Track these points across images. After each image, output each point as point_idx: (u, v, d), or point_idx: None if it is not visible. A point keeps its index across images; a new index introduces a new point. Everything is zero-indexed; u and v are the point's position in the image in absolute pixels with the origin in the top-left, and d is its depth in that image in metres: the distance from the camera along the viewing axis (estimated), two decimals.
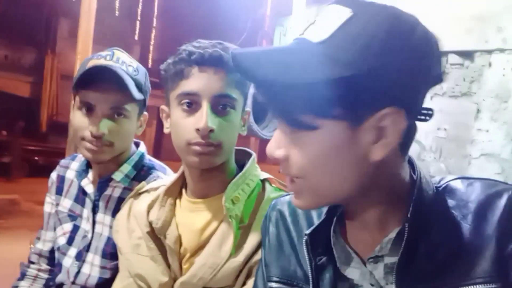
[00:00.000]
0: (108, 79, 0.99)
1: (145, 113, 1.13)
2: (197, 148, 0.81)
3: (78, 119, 1.03)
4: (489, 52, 2.03)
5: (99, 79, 0.99)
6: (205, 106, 0.81)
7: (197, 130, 0.80)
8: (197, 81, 0.82)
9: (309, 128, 0.52)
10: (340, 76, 0.48)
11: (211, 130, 0.80)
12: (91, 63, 1.03)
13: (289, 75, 0.49)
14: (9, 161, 9.31)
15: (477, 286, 0.52)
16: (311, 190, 0.55)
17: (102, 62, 1.02)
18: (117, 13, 10.75)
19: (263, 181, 0.92)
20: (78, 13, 2.44)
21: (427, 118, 0.56)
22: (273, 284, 0.68)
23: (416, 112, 0.54)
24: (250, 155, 0.94)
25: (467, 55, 2.07)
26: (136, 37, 12.11)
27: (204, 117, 0.80)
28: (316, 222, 0.64)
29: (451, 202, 0.57)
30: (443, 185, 0.59)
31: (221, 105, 0.83)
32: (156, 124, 12.56)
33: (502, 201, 0.54)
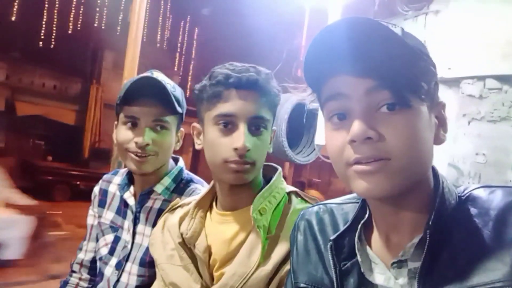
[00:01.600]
0: (150, 93, 1.07)
1: (182, 129, 1.20)
2: (233, 166, 0.86)
3: (123, 133, 1.10)
4: None
5: (142, 94, 1.07)
6: (242, 127, 0.86)
7: (235, 149, 0.85)
8: (235, 104, 0.87)
9: (406, 105, 0.55)
10: (430, 62, 0.59)
11: (248, 150, 0.85)
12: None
13: (396, 48, 0.56)
14: (51, 185, 9.69)
15: None
16: (398, 171, 0.55)
17: (149, 75, 1.11)
18: (158, 45, 11.22)
19: (289, 193, 0.96)
20: (122, 46, 2.60)
21: None
22: None
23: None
24: (276, 169, 0.98)
25: (505, 79, 2.03)
26: (175, 68, 12.55)
27: (242, 137, 0.85)
28: (342, 229, 0.67)
29: (473, 210, 0.58)
30: (466, 194, 0.61)
31: (255, 126, 0.88)
32: (192, 151, 12.81)
33: None
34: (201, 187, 1.16)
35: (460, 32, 2.10)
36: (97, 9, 11.79)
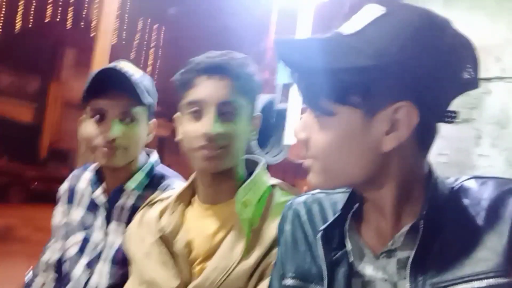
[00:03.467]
0: (117, 85, 1.03)
1: (154, 120, 1.17)
2: (204, 152, 0.85)
3: (90, 127, 1.06)
4: (489, 80, 2.09)
5: (107, 86, 1.03)
6: (210, 113, 0.85)
7: (203, 135, 0.84)
8: (203, 89, 0.86)
9: (327, 113, 0.57)
10: (359, 65, 0.52)
11: (217, 134, 0.84)
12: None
13: (314, 60, 0.54)
14: (6, 186, 9.25)
15: (490, 280, 0.53)
16: (324, 171, 0.60)
17: (113, 66, 1.07)
18: (123, 42, 10.98)
19: (273, 186, 0.95)
20: (85, 42, 2.51)
21: (450, 120, 0.58)
22: (288, 281, 0.69)
23: (437, 111, 0.57)
24: (257, 163, 0.97)
25: None
26: (142, 67, 12.36)
27: (210, 122, 0.84)
28: (331, 219, 0.66)
29: (465, 201, 0.59)
30: (458, 185, 0.61)
31: (227, 111, 0.87)
32: (158, 144, 12.57)
33: None
34: (176, 182, 1.13)
35: None
36: (60, 4, 11.39)
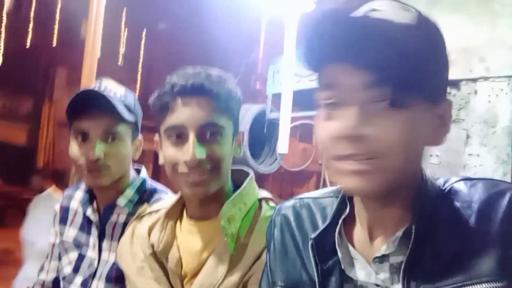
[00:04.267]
0: (97, 105, 1.04)
1: (140, 137, 1.17)
2: (188, 179, 0.83)
3: (74, 148, 1.07)
4: (474, 80, 2.13)
5: (89, 106, 1.04)
6: (191, 137, 0.82)
7: (185, 162, 0.81)
8: (182, 113, 0.83)
9: (404, 105, 0.52)
10: (445, 60, 0.57)
11: (200, 160, 0.81)
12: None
13: (401, 41, 0.51)
14: (3, 209, 9.19)
15: (483, 284, 0.52)
16: (385, 170, 0.53)
17: (91, 89, 1.08)
18: (114, 60, 11.01)
19: (260, 200, 0.93)
20: (76, 62, 2.52)
21: None
22: None
23: None
24: (247, 174, 0.95)
25: (453, 84, 2.16)
26: (137, 84, 12.38)
27: (191, 148, 0.81)
28: (321, 226, 0.65)
29: (455, 204, 0.58)
30: (448, 188, 0.61)
31: (209, 134, 0.84)
32: (152, 168, 12.55)
33: (505, 200, 0.55)
34: (166, 197, 1.14)
35: None
36: (49, 25, 11.44)
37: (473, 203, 0.57)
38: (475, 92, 2.16)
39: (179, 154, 0.83)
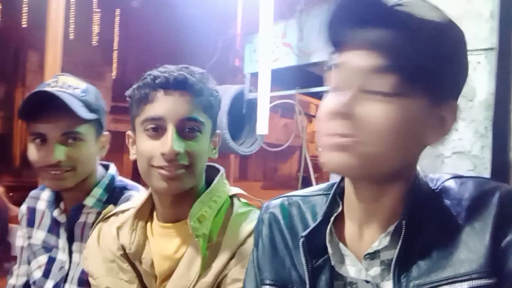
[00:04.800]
0: (54, 105, 0.97)
1: (106, 133, 1.11)
2: (163, 172, 0.79)
3: (32, 151, 1.01)
4: None
5: (45, 107, 0.98)
6: (170, 130, 0.79)
7: (163, 154, 0.78)
8: (162, 105, 0.81)
9: (402, 95, 0.53)
10: (452, 63, 0.55)
11: (177, 154, 0.79)
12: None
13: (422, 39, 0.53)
14: None
15: (473, 281, 0.53)
16: (366, 155, 0.54)
17: (45, 89, 1.01)
18: (87, 41, 10.70)
19: (231, 197, 0.91)
20: (44, 43, 2.41)
21: None
22: (267, 287, 0.67)
23: None
24: (218, 171, 0.92)
25: None
26: (113, 64, 12.07)
27: (169, 140, 0.78)
28: (312, 224, 0.65)
29: (446, 202, 0.59)
30: (439, 186, 0.61)
31: (188, 129, 0.82)
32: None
33: (495, 198, 0.56)
34: (137, 194, 1.09)
35: None
36: (17, 6, 10.98)
37: (463, 201, 0.58)
38: None
39: (156, 146, 0.80)
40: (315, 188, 0.73)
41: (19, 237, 1.17)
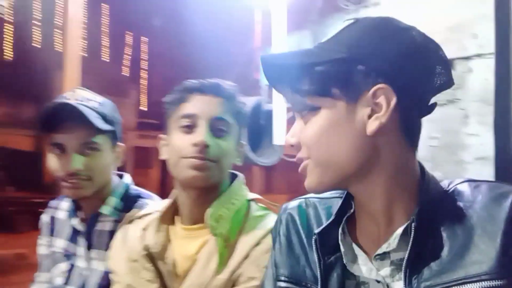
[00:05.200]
0: (71, 117, 1.02)
1: (121, 144, 1.16)
2: (192, 161, 0.85)
3: (51, 161, 1.06)
4: (468, 58, 2.07)
5: (63, 118, 1.03)
6: (202, 124, 0.87)
7: (194, 145, 0.85)
8: (197, 104, 0.89)
9: (312, 108, 0.60)
10: (333, 58, 0.59)
11: (207, 146, 0.85)
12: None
13: (296, 59, 0.62)
14: (15, 215, 9.33)
15: (483, 282, 0.53)
16: (320, 166, 0.61)
17: (62, 101, 1.06)
18: (102, 59, 10.99)
19: (250, 201, 0.95)
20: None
21: (429, 111, 0.63)
22: (282, 284, 0.70)
23: (417, 102, 0.61)
24: (237, 176, 0.97)
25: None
26: (130, 83, 12.36)
27: (202, 133, 0.86)
28: (326, 223, 0.67)
29: (458, 204, 0.60)
30: (452, 189, 0.62)
31: (218, 128, 0.89)
32: (161, 165, 12.62)
33: (508, 202, 0.56)
34: (151, 202, 1.13)
35: None
36: (46, 28, 11.44)
37: (476, 204, 0.59)
38: (470, 70, 2.10)
39: (188, 140, 0.87)
40: (333, 191, 0.75)
41: (40, 246, 1.22)
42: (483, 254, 0.55)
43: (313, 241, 0.65)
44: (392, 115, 0.58)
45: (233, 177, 0.98)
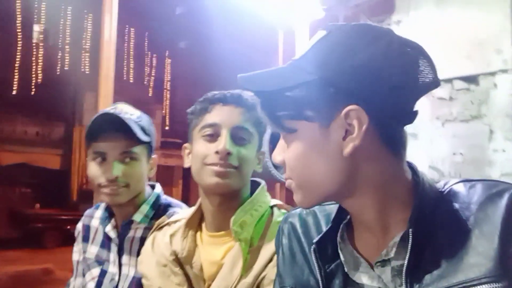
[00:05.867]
0: (114, 127, 1.10)
1: (154, 156, 1.23)
2: (215, 168, 0.89)
3: (93, 168, 1.13)
4: (492, 74, 2.07)
5: (106, 129, 1.10)
6: (224, 133, 0.91)
7: (216, 152, 0.89)
8: (219, 114, 0.93)
9: (290, 131, 0.60)
10: (303, 81, 0.57)
11: (229, 153, 0.89)
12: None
13: (269, 84, 0.61)
14: (42, 232, 9.52)
15: (483, 286, 0.52)
16: (301, 187, 0.62)
17: (107, 111, 1.14)
18: (131, 80, 11.27)
19: (272, 207, 0.98)
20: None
21: (411, 120, 0.60)
22: None
23: (396, 113, 0.58)
24: (259, 184, 1.01)
25: (471, 79, 2.11)
26: (162, 104, 12.64)
27: (223, 141, 0.90)
28: (324, 230, 0.67)
29: (454, 205, 0.58)
30: (447, 190, 0.61)
31: (239, 136, 0.93)
32: (182, 184, 12.75)
33: (504, 201, 0.55)
34: (180, 210, 1.17)
35: (423, 39, 2.17)
36: (76, 50, 11.88)
37: (472, 204, 0.57)
38: (495, 85, 2.10)
39: (211, 147, 0.91)
40: None
41: (75, 252, 1.28)
42: (482, 256, 0.53)
43: (312, 250, 0.65)
44: (369, 131, 0.56)
45: (256, 184, 1.01)
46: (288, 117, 0.60)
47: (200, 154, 0.91)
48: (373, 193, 0.59)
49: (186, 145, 1.01)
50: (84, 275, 1.22)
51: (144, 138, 1.13)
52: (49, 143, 12.20)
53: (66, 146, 12.30)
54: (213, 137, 0.92)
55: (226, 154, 0.89)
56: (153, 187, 1.25)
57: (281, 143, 0.64)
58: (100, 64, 2.13)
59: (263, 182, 1.01)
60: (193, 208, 1.01)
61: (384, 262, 0.60)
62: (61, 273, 6.53)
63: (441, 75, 0.61)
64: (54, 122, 12.37)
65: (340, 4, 2.53)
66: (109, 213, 1.21)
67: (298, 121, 0.59)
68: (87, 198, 11.45)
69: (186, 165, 0.99)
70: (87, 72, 11.92)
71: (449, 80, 2.18)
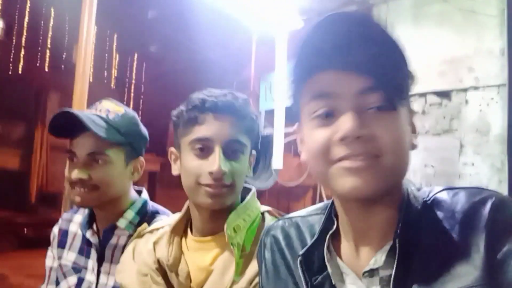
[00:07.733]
0: (82, 126, 1.02)
1: (141, 158, 1.16)
2: (209, 190, 0.87)
3: (67, 167, 1.08)
4: (464, 90, 2.16)
5: (76, 127, 1.03)
6: (217, 151, 0.87)
7: (210, 173, 0.85)
8: (211, 127, 0.88)
9: (394, 108, 0.57)
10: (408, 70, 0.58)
11: (224, 173, 0.86)
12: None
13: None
14: None
15: None
16: (387, 168, 0.55)
17: (63, 110, 1.06)
18: (105, 81, 11.03)
19: (263, 213, 0.97)
20: (67, 85, 2.49)
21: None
22: None
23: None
24: (250, 190, 0.99)
25: (444, 94, 2.19)
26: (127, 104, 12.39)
27: (217, 161, 0.86)
28: (310, 242, 0.66)
29: (439, 214, 0.59)
30: (431, 198, 0.61)
31: (232, 150, 0.89)
32: (147, 188, 12.45)
33: (486, 209, 0.56)
34: (167, 218, 1.13)
35: None
36: (39, 49, 11.48)
37: (456, 213, 0.58)
38: (466, 102, 2.19)
39: (204, 166, 0.87)
40: (313, 207, 0.75)
41: (48, 257, 1.21)
42: (469, 264, 0.53)
43: (298, 263, 0.63)
44: None
45: (245, 189, 0.99)
46: (399, 92, 0.57)
47: (193, 172, 0.88)
48: (392, 198, 0.60)
49: (172, 149, 0.97)
50: (57, 283, 1.15)
51: (112, 137, 1.05)
52: (8, 143, 11.67)
53: (27, 147, 11.81)
54: (204, 151, 0.88)
55: (220, 174, 0.85)
56: (139, 192, 1.20)
57: (361, 116, 0.56)
58: (77, 62, 2.06)
59: (253, 188, 0.99)
60: (179, 214, 0.97)
61: (372, 272, 0.59)
62: (16, 278, 6.21)
63: (415, 90, 0.64)
64: (15, 121, 11.86)
65: (319, 16, 2.57)
66: (90, 218, 1.15)
67: (400, 100, 0.57)
68: (47, 200, 11.02)
69: (174, 172, 0.95)
70: (46, 70, 11.53)
71: (423, 95, 2.25)
